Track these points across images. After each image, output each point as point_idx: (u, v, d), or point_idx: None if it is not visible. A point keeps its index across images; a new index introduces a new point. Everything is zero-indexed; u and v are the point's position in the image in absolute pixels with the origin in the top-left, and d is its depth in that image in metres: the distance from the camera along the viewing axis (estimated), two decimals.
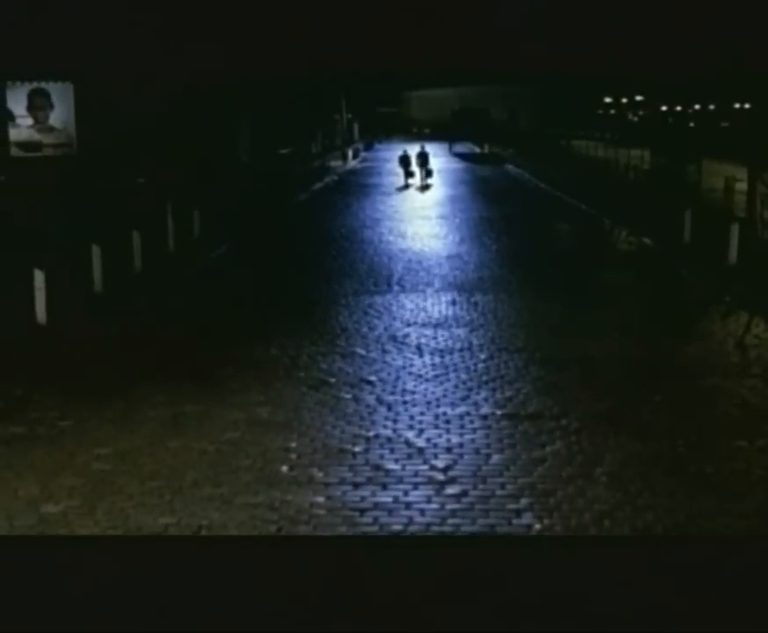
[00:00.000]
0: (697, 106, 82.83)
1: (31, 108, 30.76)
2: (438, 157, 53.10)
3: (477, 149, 63.50)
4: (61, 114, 30.81)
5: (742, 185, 21.75)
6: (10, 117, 30.02)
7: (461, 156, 57.85)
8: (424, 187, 36.84)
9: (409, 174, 37.91)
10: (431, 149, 48.04)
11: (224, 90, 37.09)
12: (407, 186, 37.05)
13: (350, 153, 53.93)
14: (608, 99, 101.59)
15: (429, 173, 38.47)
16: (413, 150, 39.65)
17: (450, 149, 63.16)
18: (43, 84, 30.64)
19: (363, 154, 61.24)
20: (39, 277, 12.68)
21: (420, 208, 28.01)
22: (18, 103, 30.31)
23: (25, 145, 30.52)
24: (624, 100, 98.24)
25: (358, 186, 37.40)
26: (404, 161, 38.51)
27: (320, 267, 17.65)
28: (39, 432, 8.76)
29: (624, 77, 72.14)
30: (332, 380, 10.12)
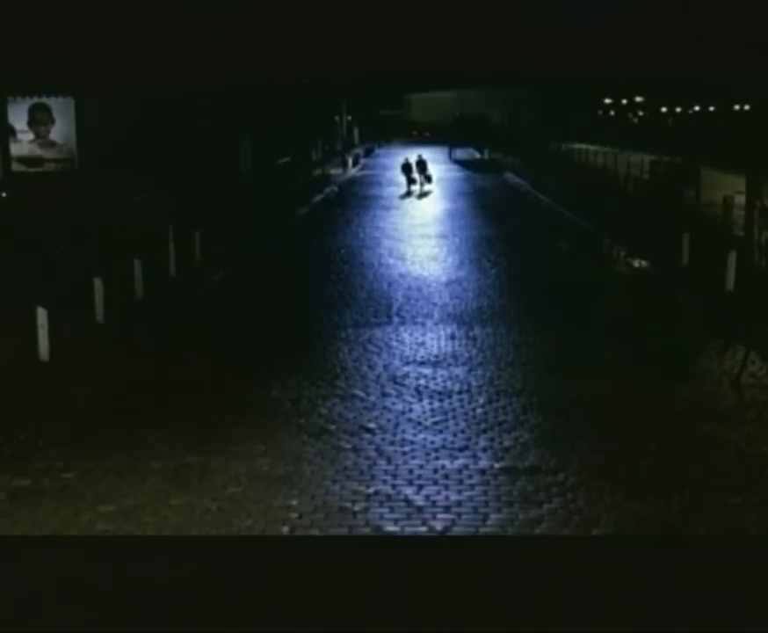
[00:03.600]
0: (697, 108, 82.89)
1: (32, 123, 30.92)
2: (439, 164, 53.38)
3: (478, 155, 63.72)
4: (61, 129, 30.98)
5: (741, 199, 21.68)
6: (12, 132, 30.19)
7: (462, 163, 58.02)
8: (423, 195, 38.66)
9: (411, 181, 40.85)
10: (431, 154, 48.85)
11: (224, 99, 37.15)
12: (409, 193, 39.30)
13: (350, 160, 54.06)
14: (608, 100, 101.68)
15: (428, 179, 41.38)
16: (413, 157, 42.15)
17: (450, 155, 63.43)
18: (44, 99, 30.78)
19: (363, 160, 61.37)
20: (41, 314, 12.80)
21: (420, 226, 28.13)
22: (19, 118, 30.47)
23: (26, 160, 30.69)
24: (624, 101, 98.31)
25: (357, 198, 37.58)
26: (406, 168, 41.45)
27: (320, 294, 17.76)
28: (44, 484, 8.87)
29: (623, 78, 72.26)
30: (332, 427, 10.24)
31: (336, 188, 42.25)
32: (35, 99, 30.66)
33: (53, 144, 31.10)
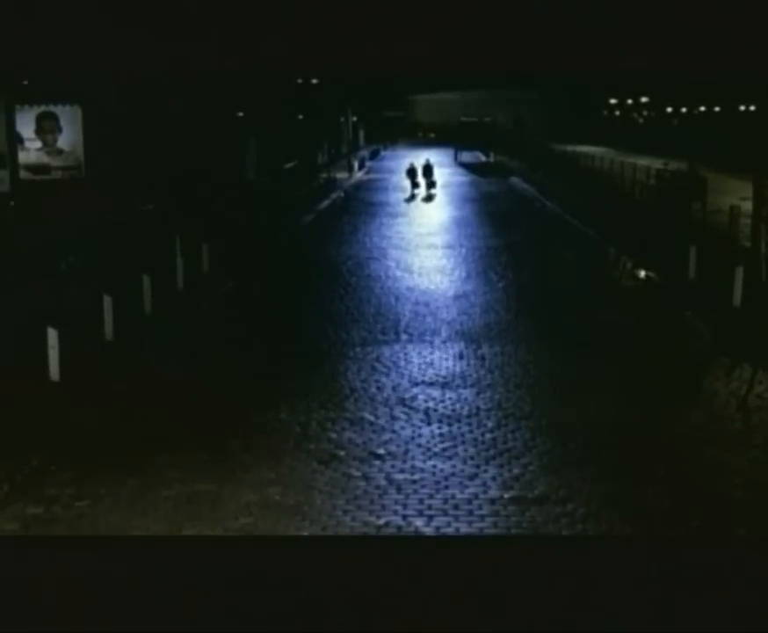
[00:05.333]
0: (702, 108, 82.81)
1: (39, 131, 31.11)
2: (444, 167, 53.51)
3: (483, 158, 63.83)
4: (69, 137, 31.15)
5: (747, 205, 21.55)
6: (20, 140, 30.33)
7: (467, 167, 58.10)
8: (429, 200, 39.32)
9: (415, 185, 41.92)
10: (437, 156, 49.07)
11: (230, 103, 37.23)
12: (413, 197, 40.20)
13: (356, 164, 54.14)
14: (613, 101, 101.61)
15: (433, 184, 42.50)
16: (418, 161, 43.20)
17: (456, 158, 63.72)
18: (51, 107, 30.93)
19: (368, 163, 61.40)
20: (52, 335, 12.85)
21: (426, 235, 28.15)
22: (26, 126, 30.64)
23: (33, 168, 30.86)
24: (629, 101, 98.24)
25: (364, 205, 37.62)
26: (411, 173, 42.41)
27: (328, 309, 17.79)
28: (57, 513, 8.95)
29: (628, 78, 72.22)
30: (342, 453, 10.30)
31: (342, 193, 42.30)
32: (43, 107, 30.83)
33: (60, 152, 31.26)
